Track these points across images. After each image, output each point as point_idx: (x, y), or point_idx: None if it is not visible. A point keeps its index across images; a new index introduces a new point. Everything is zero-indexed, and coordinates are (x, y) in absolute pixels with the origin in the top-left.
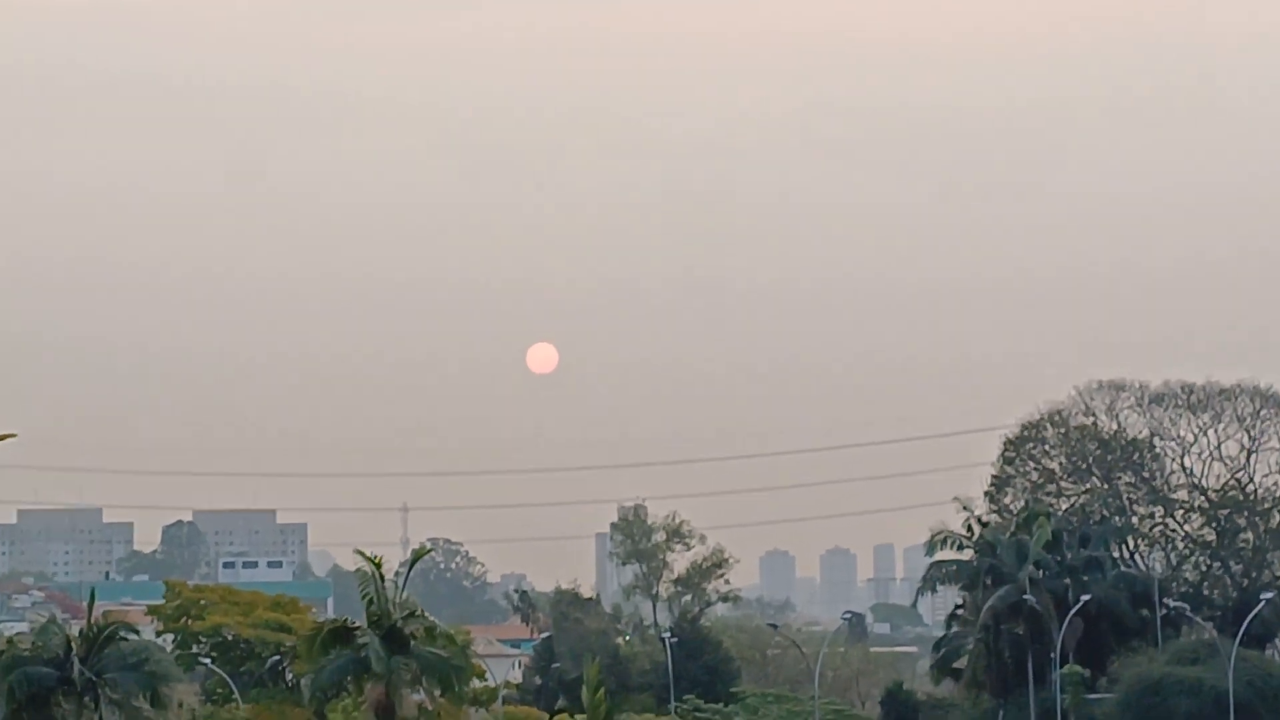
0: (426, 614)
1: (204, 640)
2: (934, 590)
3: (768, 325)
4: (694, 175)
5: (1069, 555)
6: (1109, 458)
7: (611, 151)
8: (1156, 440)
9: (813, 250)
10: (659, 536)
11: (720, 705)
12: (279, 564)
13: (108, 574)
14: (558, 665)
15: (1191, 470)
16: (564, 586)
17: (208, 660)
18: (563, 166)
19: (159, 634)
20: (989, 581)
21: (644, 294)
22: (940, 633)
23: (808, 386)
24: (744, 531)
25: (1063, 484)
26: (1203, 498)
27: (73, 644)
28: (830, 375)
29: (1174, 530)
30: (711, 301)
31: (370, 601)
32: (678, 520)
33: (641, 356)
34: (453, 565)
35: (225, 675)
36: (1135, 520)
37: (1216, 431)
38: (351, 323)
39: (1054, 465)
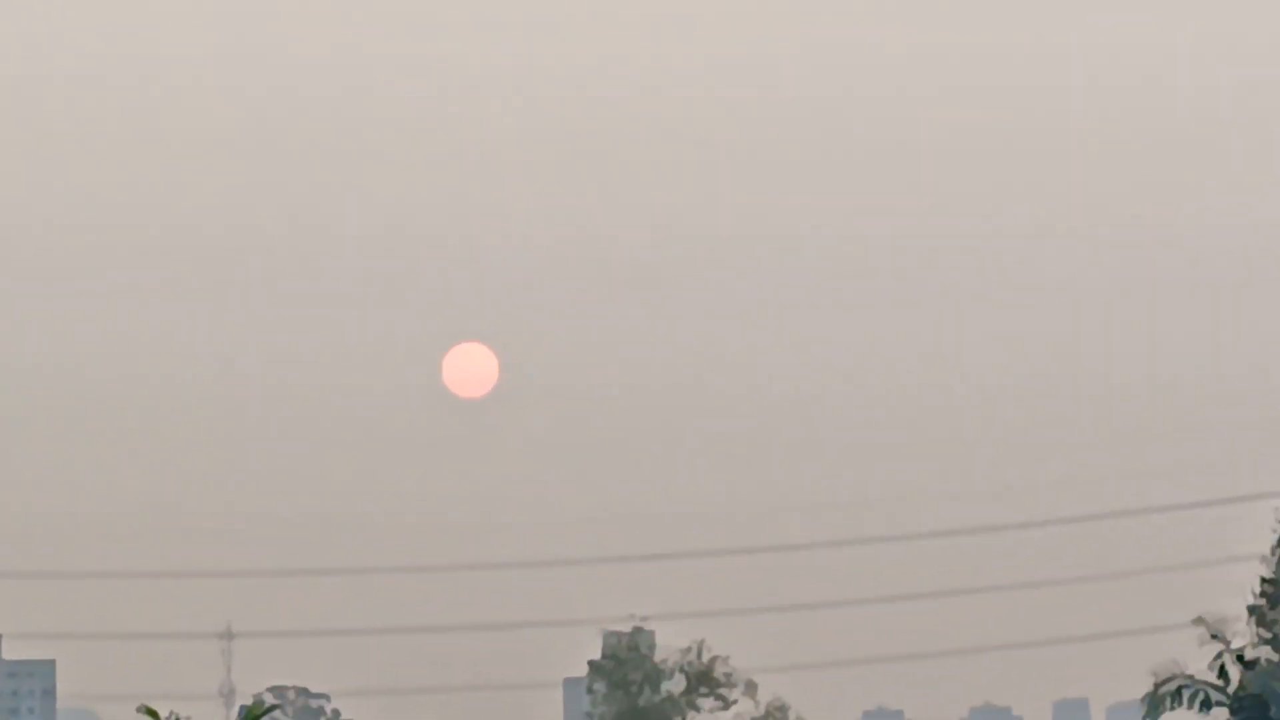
0: None
1: None
2: None
3: (855, 305)
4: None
5: None
6: None
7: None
8: None
9: (919, 179)
10: (674, 683)
11: None
12: None
13: None
14: None
15: None
16: None
17: None
18: (498, 72)
19: None
20: None
21: (637, 260)
22: None
23: (931, 417)
24: (827, 677)
25: None
26: None
27: None
28: (970, 397)
29: None
30: (755, 268)
31: None
32: (707, 655)
33: (636, 367)
34: None
35: None
36: None
37: None
38: (134, 311)
39: None
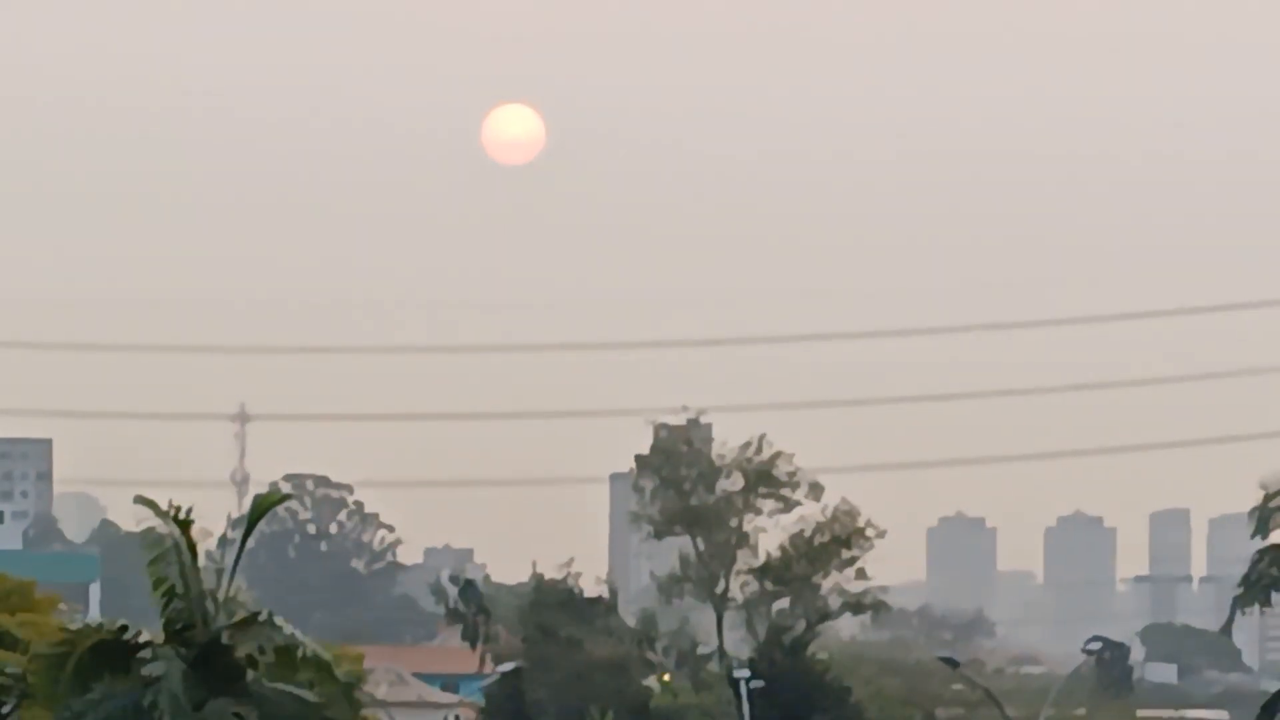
0: (279, 619)
1: None
2: (1265, 604)
3: (922, 66)
4: None
5: None
6: None
7: None
8: None
9: None
10: (731, 481)
11: None
12: None
13: None
14: None
15: None
16: (547, 575)
17: None
18: None
19: None
20: None
21: (690, 21)
22: (1278, 685)
23: (1023, 203)
24: (900, 479)
25: None
26: None
27: None
28: (1061, 188)
29: None
30: (817, 28)
31: (169, 593)
32: (768, 451)
33: (701, 132)
34: (333, 528)
35: None
36: None
37: None
38: (147, 66)
39: None
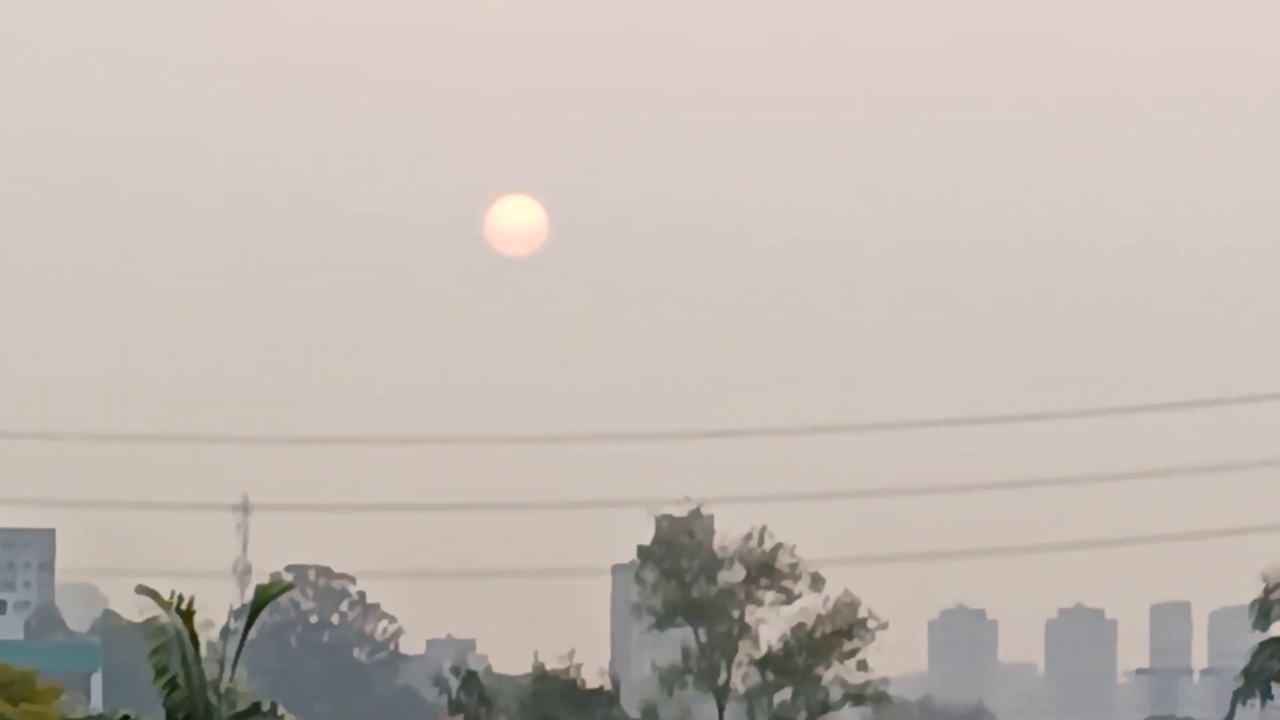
0: (281, 709)
1: None
2: (1267, 697)
3: (920, 150)
4: None
5: None
6: None
7: None
8: None
9: None
10: (732, 573)
11: None
12: (0, 606)
13: None
14: None
15: None
16: (549, 666)
17: None
18: None
19: None
20: None
21: (693, 111)
22: None
23: (1020, 293)
24: (901, 571)
25: None
26: None
27: None
28: (1058, 280)
29: None
30: (818, 110)
31: (171, 684)
32: (769, 543)
33: (695, 220)
34: (335, 618)
35: None
36: None
37: None
38: (157, 162)
39: None
